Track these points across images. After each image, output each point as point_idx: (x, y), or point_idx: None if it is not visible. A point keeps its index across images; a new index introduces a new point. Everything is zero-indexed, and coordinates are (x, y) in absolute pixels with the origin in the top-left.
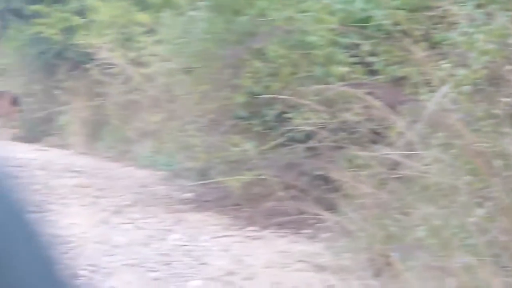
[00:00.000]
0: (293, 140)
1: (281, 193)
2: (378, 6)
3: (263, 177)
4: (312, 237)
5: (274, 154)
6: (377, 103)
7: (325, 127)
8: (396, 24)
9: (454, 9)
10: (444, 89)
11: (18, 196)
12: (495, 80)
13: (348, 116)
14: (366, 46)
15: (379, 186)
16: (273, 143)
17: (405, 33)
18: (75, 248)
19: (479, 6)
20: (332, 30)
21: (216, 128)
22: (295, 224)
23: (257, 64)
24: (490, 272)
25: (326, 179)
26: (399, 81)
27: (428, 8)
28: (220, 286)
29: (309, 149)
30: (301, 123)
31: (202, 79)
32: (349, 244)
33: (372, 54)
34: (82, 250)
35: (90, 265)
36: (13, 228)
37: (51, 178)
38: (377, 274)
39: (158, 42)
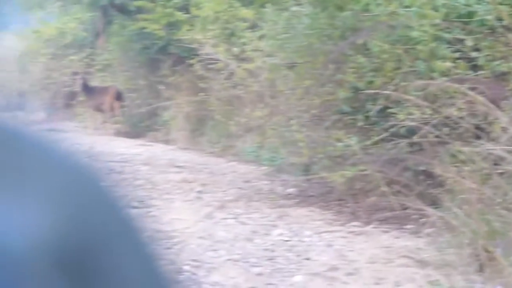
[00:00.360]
0: (396, 135)
1: (384, 188)
2: (481, 1)
3: (366, 172)
4: (415, 232)
5: (377, 149)
6: (480, 98)
7: (428, 122)
8: (499, 19)
9: None
10: None
11: (120, 192)
12: None
13: (451, 111)
14: (469, 41)
15: (483, 181)
16: (376, 138)
17: (508, 28)
18: (178, 243)
19: None
20: (436, 25)
21: (320, 123)
22: (398, 219)
23: (361, 59)
24: None
25: (429, 174)
26: (502, 76)
27: None
28: (324, 282)
29: (412, 144)
30: (404, 118)
31: (305, 74)
32: (452, 240)
33: (475, 49)
34: (186, 245)
35: (193, 260)
36: (114, 225)
37: (155, 173)
38: (480, 269)
39: (262, 37)
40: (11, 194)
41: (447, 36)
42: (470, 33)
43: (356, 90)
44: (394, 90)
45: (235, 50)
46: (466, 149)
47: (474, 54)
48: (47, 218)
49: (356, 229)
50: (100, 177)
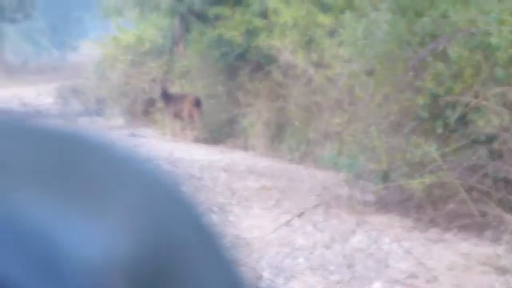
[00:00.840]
0: (476, 142)
1: (463, 196)
2: None
3: (445, 179)
4: (494, 240)
5: (457, 156)
6: None
7: (508, 129)
8: None
9: None
10: None
11: (199, 198)
12: None
13: None
14: None
15: None
16: (455, 145)
17: None
18: (257, 250)
19: None
20: None
21: (398, 130)
22: (477, 226)
23: (439, 65)
24: None
25: (509, 181)
26: None
27: None
28: None
29: (492, 151)
30: (483, 125)
31: (384, 80)
32: None
33: None
34: (265, 252)
35: (272, 267)
36: (193, 234)
37: (234, 180)
38: None
39: (340, 43)
40: (88, 205)
41: None
42: None
43: (435, 96)
44: (473, 97)
45: (314, 56)
46: None
47: None
48: (124, 230)
49: (435, 236)
50: (178, 184)
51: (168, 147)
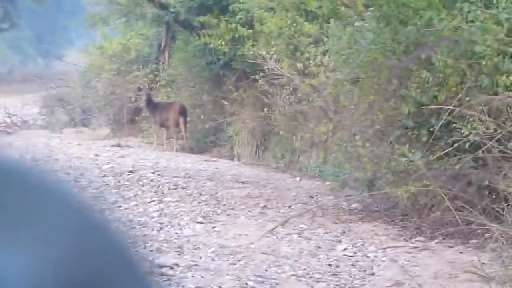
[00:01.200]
0: (460, 150)
1: (448, 204)
2: None
3: (430, 187)
4: (479, 247)
5: (441, 164)
6: None
7: (493, 137)
8: None
9: None
10: None
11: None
12: None
13: None
14: None
15: None
16: (440, 153)
17: None
18: (243, 259)
19: None
20: (499, 39)
21: (383, 138)
22: (462, 234)
23: (424, 74)
24: None
25: (493, 189)
26: None
27: None
28: None
29: (476, 159)
30: (468, 133)
31: (369, 89)
32: None
33: None
34: (250, 261)
35: (257, 276)
36: (114, 262)
37: (220, 189)
38: None
39: (325, 52)
40: (10, 236)
41: (511, 50)
42: None
43: (419, 105)
44: (458, 105)
45: (299, 65)
46: None
47: None
48: (43, 256)
49: (420, 244)
50: (100, 215)
51: (154, 157)
